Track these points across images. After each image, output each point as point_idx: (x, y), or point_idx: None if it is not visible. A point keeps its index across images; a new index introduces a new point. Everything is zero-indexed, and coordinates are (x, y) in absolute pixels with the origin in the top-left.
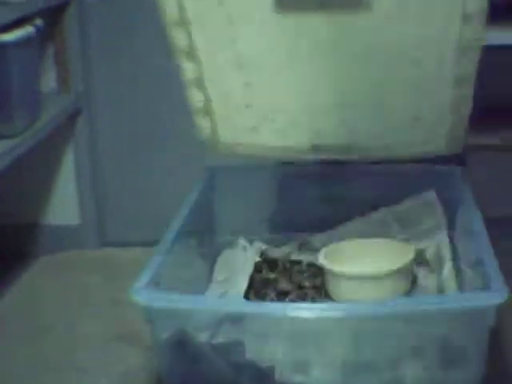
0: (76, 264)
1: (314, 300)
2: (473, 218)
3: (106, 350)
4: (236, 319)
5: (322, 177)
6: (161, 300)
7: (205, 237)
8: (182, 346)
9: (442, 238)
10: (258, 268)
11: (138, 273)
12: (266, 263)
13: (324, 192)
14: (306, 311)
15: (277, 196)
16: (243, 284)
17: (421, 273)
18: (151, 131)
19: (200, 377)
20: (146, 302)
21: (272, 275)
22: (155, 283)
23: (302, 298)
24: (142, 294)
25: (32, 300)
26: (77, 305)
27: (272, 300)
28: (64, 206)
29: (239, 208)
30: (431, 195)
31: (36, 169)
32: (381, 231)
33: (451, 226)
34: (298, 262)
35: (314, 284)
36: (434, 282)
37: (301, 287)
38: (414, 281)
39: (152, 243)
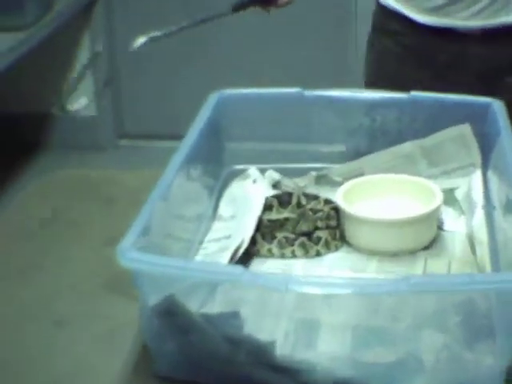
0: (75, 183)
1: (327, 244)
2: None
3: (91, 300)
4: (231, 288)
5: (344, 105)
6: (149, 264)
7: (212, 167)
8: (170, 315)
9: (475, 177)
10: (268, 204)
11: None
12: (277, 199)
13: (346, 121)
14: (312, 287)
15: (293, 124)
16: (250, 226)
17: (449, 215)
18: (173, 20)
19: (191, 350)
20: (134, 266)
21: (283, 214)
22: (146, 243)
23: (315, 242)
24: (130, 257)
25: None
26: (63, 240)
27: (279, 243)
28: (80, 97)
29: (251, 136)
30: (465, 129)
31: (51, 59)
32: (407, 167)
33: (485, 164)
34: (315, 198)
35: (329, 225)
36: (463, 228)
37: (314, 228)
38: (440, 226)
39: (167, 137)
